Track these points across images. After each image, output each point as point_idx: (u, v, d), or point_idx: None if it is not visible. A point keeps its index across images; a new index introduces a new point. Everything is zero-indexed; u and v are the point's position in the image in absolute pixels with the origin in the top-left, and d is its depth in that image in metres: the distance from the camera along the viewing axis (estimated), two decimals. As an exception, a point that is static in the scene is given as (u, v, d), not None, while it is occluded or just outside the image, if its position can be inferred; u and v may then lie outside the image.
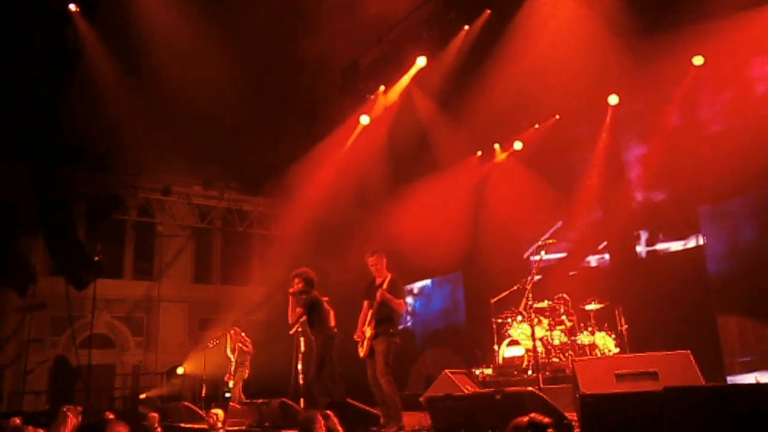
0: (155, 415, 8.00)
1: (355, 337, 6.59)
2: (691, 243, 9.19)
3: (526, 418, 2.99)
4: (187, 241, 17.79)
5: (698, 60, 9.14)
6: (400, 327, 6.81)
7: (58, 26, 10.78)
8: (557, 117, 11.33)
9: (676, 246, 9.47)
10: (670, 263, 9.27)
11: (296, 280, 7.19)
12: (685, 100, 9.47)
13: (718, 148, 8.85)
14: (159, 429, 7.65)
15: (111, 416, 4.42)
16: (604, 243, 10.57)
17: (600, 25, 9.16)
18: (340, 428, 5.35)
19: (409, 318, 14.02)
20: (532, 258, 7.05)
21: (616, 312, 8.67)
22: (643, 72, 9.48)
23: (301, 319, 7.35)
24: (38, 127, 11.91)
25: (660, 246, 9.73)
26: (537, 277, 7.99)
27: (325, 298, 7.49)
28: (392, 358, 6.36)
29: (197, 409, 9.55)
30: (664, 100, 9.72)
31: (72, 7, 10.68)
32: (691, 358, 4.35)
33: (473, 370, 9.62)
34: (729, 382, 7.52)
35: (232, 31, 12.20)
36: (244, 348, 10.30)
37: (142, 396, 14.39)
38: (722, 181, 8.63)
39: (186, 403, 10.02)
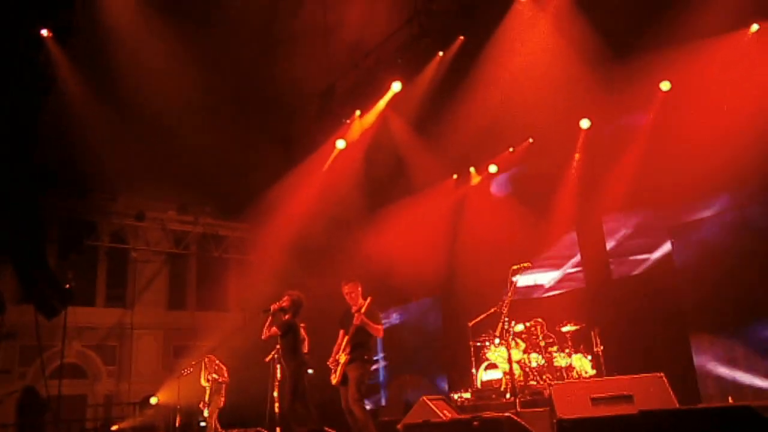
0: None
1: (328, 363, 6.55)
2: (659, 253, 9.32)
3: None
4: (161, 266, 17.51)
5: (665, 85, 9.38)
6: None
7: (30, 51, 10.68)
8: (530, 140, 11.51)
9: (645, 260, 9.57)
10: (644, 285, 9.39)
11: (285, 298, 7.15)
12: (653, 124, 9.69)
13: (685, 170, 9.06)
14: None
15: None
16: (578, 265, 10.67)
17: (570, 51, 9.39)
18: (317, 458, 5.28)
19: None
20: (509, 281, 7.07)
21: (592, 333, 8.74)
22: (612, 96, 9.69)
23: (279, 345, 7.28)
24: (9, 151, 11.72)
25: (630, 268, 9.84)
26: (513, 299, 8.01)
27: (302, 325, 7.44)
28: (365, 386, 6.33)
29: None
30: (634, 124, 9.94)
31: (44, 32, 10.60)
32: (665, 380, 4.39)
33: (451, 394, 9.59)
34: (703, 404, 7.59)
35: (207, 55, 12.21)
36: (220, 377, 10.13)
37: (114, 428, 14.02)
38: (691, 201, 8.82)
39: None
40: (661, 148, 9.65)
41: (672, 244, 9.12)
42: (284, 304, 7.13)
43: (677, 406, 4.22)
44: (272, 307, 7.16)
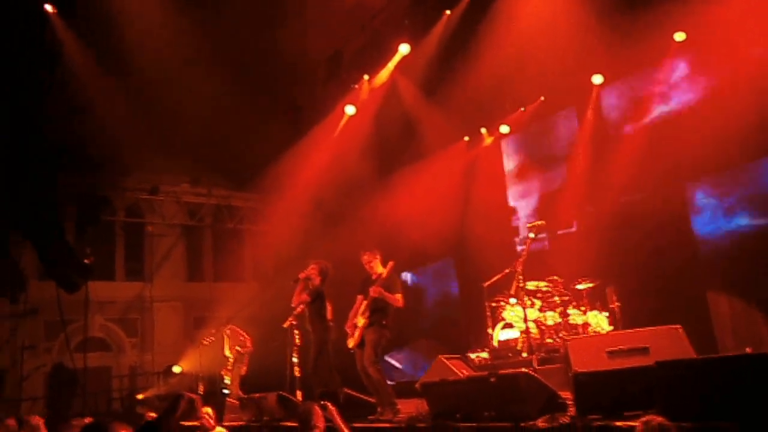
0: (153, 415, 7.97)
1: (345, 327, 6.62)
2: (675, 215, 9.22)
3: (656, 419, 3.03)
4: (177, 239, 17.70)
5: (680, 36, 9.14)
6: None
7: (34, 27, 10.64)
8: (542, 99, 11.33)
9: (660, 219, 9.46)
10: (657, 238, 9.29)
11: (312, 266, 7.26)
12: (668, 77, 9.48)
13: (702, 124, 8.89)
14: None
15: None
16: (593, 219, 10.58)
17: (581, 4, 9.15)
18: (338, 418, 5.37)
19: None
20: (522, 239, 7.05)
21: (608, 290, 8.72)
22: (625, 50, 9.46)
23: (297, 311, 7.38)
24: (23, 130, 11.79)
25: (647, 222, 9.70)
26: (528, 258, 7.99)
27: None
28: (381, 349, 6.41)
29: (193, 395, 9.51)
30: (648, 77, 9.74)
31: (48, 7, 10.54)
32: (682, 332, 4.37)
33: (468, 354, 9.68)
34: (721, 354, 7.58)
35: (212, 25, 12.08)
36: (243, 349, 10.27)
37: (140, 396, 14.36)
38: (708, 159, 8.67)
39: (194, 395, 9.98)
40: (678, 102, 9.46)
41: (690, 200, 8.99)
42: (311, 273, 7.22)
43: (695, 356, 4.21)
44: (300, 276, 7.27)
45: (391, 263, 6.56)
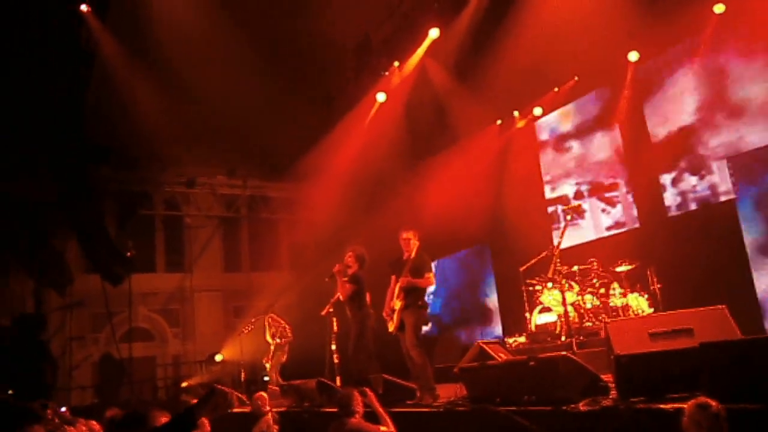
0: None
1: (383, 314, 6.65)
2: (722, 197, 8.97)
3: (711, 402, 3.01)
4: (214, 230, 18.02)
5: (719, 8, 8.83)
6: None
7: (71, 27, 10.90)
8: (576, 79, 11.11)
9: (702, 187, 9.21)
10: (701, 220, 9.07)
11: (348, 255, 7.28)
12: (707, 50, 9.18)
13: (744, 99, 8.61)
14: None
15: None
16: (632, 202, 10.40)
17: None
18: (377, 404, 5.43)
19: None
20: (560, 222, 6.96)
21: (648, 272, 8.56)
22: (661, 24, 9.20)
23: (334, 299, 7.45)
24: (63, 128, 12.13)
25: (685, 187, 9.46)
26: (565, 243, 7.90)
27: None
28: (421, 330, 6.42)
29: (238, 393, 9.75)
30: (685, 52, 9.45)
31: (83, 7, 10.77)
32: (727, 312, 4.27)
33: (506, 339, 9.64)
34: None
35: (243, 16, 12.16)
36: (284, 337, 10.41)
37: (184, 384, 14.75)
38: (752, 129, 8.40)
39: (223, 387, 10.23)
40: (717, 75, 9.18)
41: (731, 175, 8.73)
42: (349, 260, 7.26)
43: (740, 337, 4.11)
44: (335, 270, 7.26)
45: (417, 245, 6.57)
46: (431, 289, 8.15)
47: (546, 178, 11.92)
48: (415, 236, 6.65)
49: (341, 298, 7.30)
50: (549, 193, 11.78)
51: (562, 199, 11.40)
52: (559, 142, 11.77)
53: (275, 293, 15.16)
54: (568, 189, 11.44)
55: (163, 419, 3.18)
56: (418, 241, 6.64)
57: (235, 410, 9.06)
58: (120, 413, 4.92)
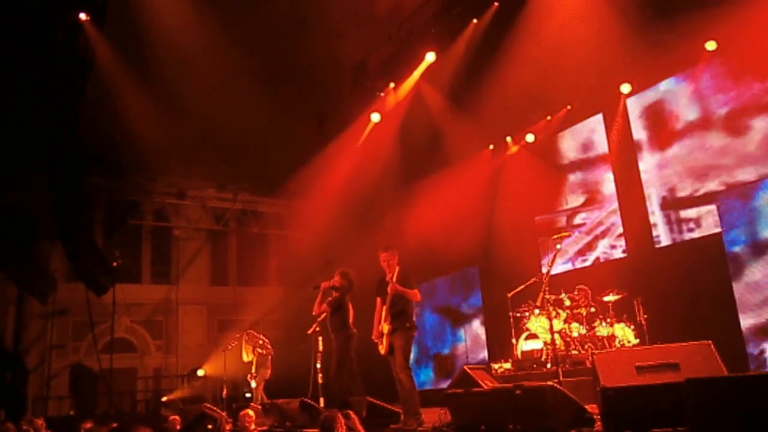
0: (176, 417, 8.05)
1: (373, 337, 6.61)
2: (708, 231, 9.07)
3: None
4: (203, 243, 17.91)
5: (711, 45, 9.01)
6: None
7: (69, 35, 10.90)
8: (569, 108, 11.25)
9: (692, 234, 9.35)
10: (688, 252, 9.16)
11: (337, 277, 7.24)
12: (698, 86, 9.35)
13: (732, 135, 8.75)
14: (180, 432, 7.70)
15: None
16: (620, 232, 10.48)
17: (610, 13, 9.09)
18: (360, 427, 5.38)
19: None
20: (549, 251, 6.99)
21: (635, 303, 8.61)
22: (654, 59, 9.36)
23: (320, 318, 7.40)
24: (55, 135, 12.07)
25: (675, 236, 9.62)
26: (554, 270, 7.92)
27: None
28: (410, 353, 6.39)
29: (218, 410, 9.61)
30: (678, 87, 9.62)
31: (82, 15, 10.78)
32: (713, 348, 4.29)
33: (491, 364, 9.61)
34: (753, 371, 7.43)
35: (240, 33, 12.25)
36: (263, 350, 10.30)
37: (164, 399, 14.53)
38: (739, 165, 8.53)
39: (207, 405, 10.08)
40: (708, 110, 9.33)
41: (718, 209, 8.83)
42: (336, 283, 7.23)
43: (726, 374, 4.13)
44: (323, 285, 7.26)
45: (399, 266, 6.53)
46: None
47: (537, 204, 12.00)
48: (393, 256, 6.60)
49: (315, 313, 7.28)
50: (539, 220, 11.85)
51: (553, 227, 11.47)
52: (552, 169, 11.87)
53: (262, 309, 15.05)
54: (559, 216, 11.52)
55: None
56: (397, 261, 6.59)
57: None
58: (95, 427, 4.84)
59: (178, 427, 7.70)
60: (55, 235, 13.60)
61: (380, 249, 6.67)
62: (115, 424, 5.34)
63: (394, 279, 6.42)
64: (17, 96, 10.93)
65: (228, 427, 7.13)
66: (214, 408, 9.68)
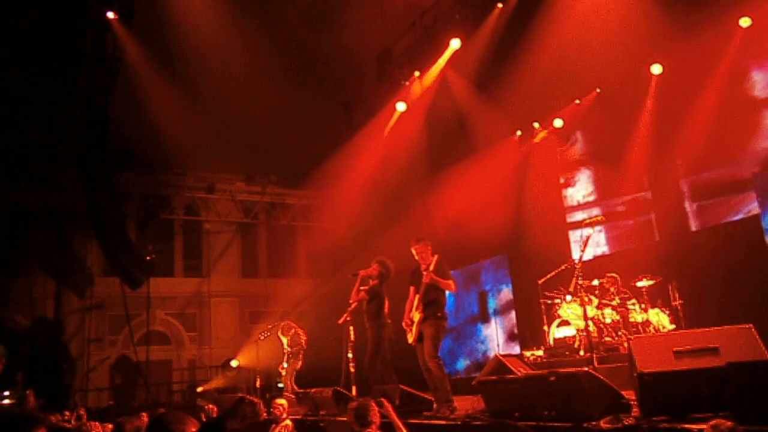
0: (213, 407, 8.20)
1: (403, 324, 6.62)
2: (743, 213, 8.84)
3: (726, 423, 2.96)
4: (233, 236, 18.13)
5: (745, 21, 8.73)
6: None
7: (98, 34, 11.08)
8: (598, 90, 11.04)
9: (728, 216, 9.12)
10: (725, 235, 8.94)
11: (374, 265, 7.33)
12: (733, 64, 9.08)
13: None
14: (217, 421, 7.82)
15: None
16: (653, 216, 10.28)
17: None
18: (393, 414, 5.40)
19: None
20: (581, 236, 6.90)
21: (670, 288, 8.45)
22: (686, 38, 9.11)
23: (351, 308, 7.45)
24: (86, 132, 12.32)
25: (710, 219, 9.39)
26: (586, 256, 7.82)
27: None
28: (440, 342, 6.39)
29: (254, 399, 9.75)
30: (711, 65, 9.35)
31: (110, 14, 10.95)
32: (754, 331, 4.19)
33: (523, 352, 9.56)
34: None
35: (265, 26, 12.30)
36: (298, 344, 10.41)
37: (200, 389, 14.80)
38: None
39: (242, 395, 10.23)
40: (741, 91, 9.07)
41: (756, 190, 8.59)
42: (373, 272, 7.29)
43: (768, 357, 4.03)
44: (361, 273, 7.35)
45: (437, 255, 6.54)
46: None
47: (567, 191, 11.84)
48: (425, 248, 6.61)
49: (352, 301, 7.33)
50: (570, 205, 11.70)
51: (584, 211, 11.31)
52: (582, 154, 11.70)
53: (292, 300, 15.19)
54: (590, 200, 11.35)
55: (193, 429, 3.13)
56: (430, 252, 6.59)
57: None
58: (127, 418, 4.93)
59: (214, 416, 7.84)
60: (91, 231, 13.92)
61: (412, 241, 6.68)
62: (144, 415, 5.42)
63: (431, 268, 6.43)
64: (48, 96, 11.17)
65: (265, 414, 7.21)
66: (250, 398, 9.86)
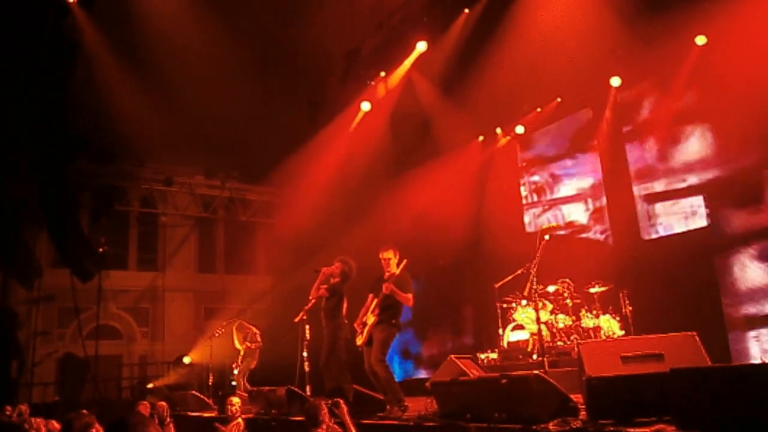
0: (164, 403, 8.04)
1: (354, 325, 6.63)
2: (695, 225, 9.15)
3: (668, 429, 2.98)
4: (190, 230, 17.80)
5: (701, 39, 9.04)
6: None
7: (57, 17, 10.74)
8: (559, 100, 11.26)
9: (679, 227, 9.43)
10: (675, 245, 9.23)
11: (337, 264, 7.26)
12: (688, 81, 9.38)
13: (721, 130, 8.81)
14: (169, 419, 7.69)
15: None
16: (607, 225, 10.55)
17: (602, 6, 9.09)
18: (347, 416, 5.40)
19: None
20: (537, 242, 7.00)
21: (621, 295, 8.67)
22: (645, 53, 9.38)
23: (308, 306, 7.40)
24: (41, 119, 11.91)
25: (661, 229, 9.69)
26: (541, 261, 7.95)
27: None
28: (389, 348, 6.42)
29: (205, 397, 9.60)
30: (667, 81, 9.64)
31: (70, -2, 10.63)
32: (697, 339, 4.33)
33: (478, 354, 9.66)
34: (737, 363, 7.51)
35: (231, 18, 12.12)
36: (253, 344, 10.28)
37: (150, 385, 14.48)
38: (723, 163, 8.59)
39: (194, 392, 10.06)
40: (696, 104, 9.38)
41: (705, 201, 8.90)
42: (335, 270, 7.23)
43: (710, 364, 4.17)
44: (323, 270, 7.28)
45: (405, 261, 6.55)
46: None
47: (525, 195, 12.03)
48: (395, 255, 6.62)
49: (311, 297, 7.29)
50: (528, 211, 11.89)
51: (541, 219, 11.52)
52: (541, 161, 11.90)
53: (249, 297, 15.01)
54: (546, 208, 11.56)
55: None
56: (398, 259, 6.61)
57: (200, 414, 8.93)
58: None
59: (164, 413, 7.69)
60: (41, 221, 13.46)
61: (381, 247, 6.68)
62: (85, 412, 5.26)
63: (394, 278, 6.43)
64: (1, 78, 10.77)
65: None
66: (202, 396, 9.69)
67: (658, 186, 9.77)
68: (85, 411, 5.16)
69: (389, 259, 6.57)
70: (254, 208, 17.76)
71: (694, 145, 9.32)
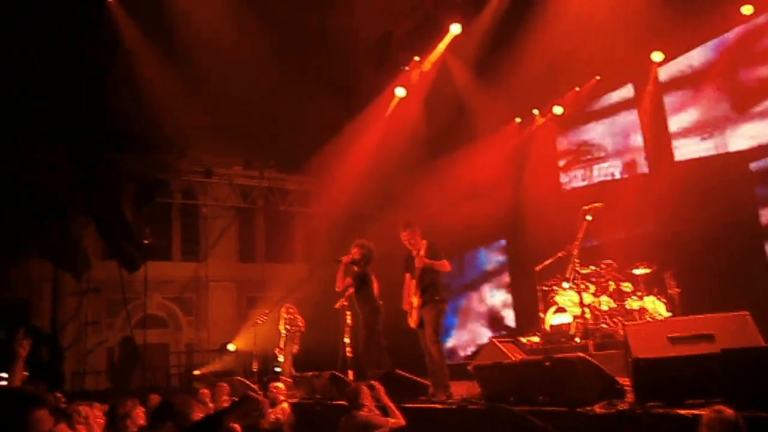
0: (206, 391, 8.22)
1: (403, 306, 6.62)
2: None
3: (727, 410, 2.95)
4: (230, 221, 18.13)
5: (747, 9, 8.68)
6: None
7: (95, 14, 10.98)
8: (598, 78, 10.99)
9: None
10: (724, 224, 8.94)
11: (354, 250, 7.27)
12: (734, 52, 9.03)
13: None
14: (211, 405, 7.87)
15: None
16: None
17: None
18: (386, 398, 5.46)
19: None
20: (579, 222, 6.87)
21: (666, 276, 8.45)
22: (687, 25, 9.06)
23: (347, 293, 7.44)
24: (85, 112, 12.24)
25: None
26: (583, 242, 7.82)
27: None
28: (441, 326, 6.40)
29: (250, 383, 9.79)
30: (711, 53, 9.31)
31: (108, -6, 10.85)
32: (750, 318, 4.20)
33: (520, 338, 9.59)
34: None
35: (263, 8, 12.16)
36: (295, 327, 10.41)
37: (196, 372, 14.86)
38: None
39: (239, 378, 10.28)
40: (742, 78, 9.04)
41: (756, 183, 8.60)
42: (355, 257, 7.24)
43: (764, 344, 4.04)
44: (343, 259, 7.30)
45: (426, 241, 6.50)
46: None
47: (565, 178, 11.83)
48: (413, 234, 6.57)
49: (338, 288, 7.32)
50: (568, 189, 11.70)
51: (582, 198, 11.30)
52: (581, 144, 11.68)
53: (289, 285, 15.20)
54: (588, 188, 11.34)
55: (199, 414, 3.10)
56: (419, 237, 6.56)
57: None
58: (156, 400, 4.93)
59: (207, 400, 7.88)
60: (89, 214, 13.88)
61: (399, 228, 6.65)
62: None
63: (422, 253, 6.41)
64: (45, 75, 11.08)
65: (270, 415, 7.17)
66: (247, 382, 9.89)
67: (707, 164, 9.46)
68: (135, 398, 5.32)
69: (411, 239, 6.53)
70: (292, 198, 17.94)
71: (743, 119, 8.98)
